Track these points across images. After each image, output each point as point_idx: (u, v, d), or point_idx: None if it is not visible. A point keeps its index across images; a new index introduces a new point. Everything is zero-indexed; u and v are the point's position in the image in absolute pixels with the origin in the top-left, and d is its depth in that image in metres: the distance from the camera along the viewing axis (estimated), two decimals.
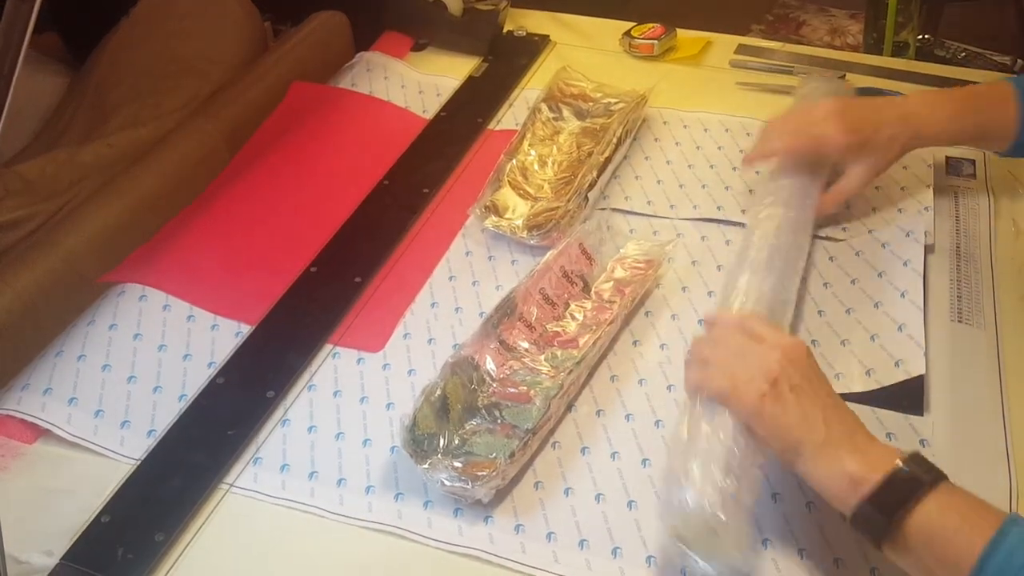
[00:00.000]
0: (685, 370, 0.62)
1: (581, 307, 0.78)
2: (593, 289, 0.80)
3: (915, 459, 0.54)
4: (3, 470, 0.68)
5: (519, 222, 0.87)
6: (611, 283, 0.80)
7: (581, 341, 0.74)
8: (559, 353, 0.73)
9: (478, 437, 0.67)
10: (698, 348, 0.62)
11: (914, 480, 0.53)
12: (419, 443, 0.65)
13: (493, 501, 0.65)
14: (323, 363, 0.77)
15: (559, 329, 0.76)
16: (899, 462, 0.54)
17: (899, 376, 0.70)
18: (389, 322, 0.80)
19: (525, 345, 0.74)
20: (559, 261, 0.79)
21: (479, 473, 0.63)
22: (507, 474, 0.64)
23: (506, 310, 0.75)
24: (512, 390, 0.70)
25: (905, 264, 0.79)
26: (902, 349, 0.72)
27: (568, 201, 0.87)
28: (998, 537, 0.49)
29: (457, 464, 0.64)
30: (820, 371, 0.59)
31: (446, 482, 0.63)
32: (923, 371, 0.70)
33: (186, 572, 0.62)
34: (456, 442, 0.66)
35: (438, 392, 0.68)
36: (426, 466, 0.63)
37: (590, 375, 0.74)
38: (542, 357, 0.73)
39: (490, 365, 0.71)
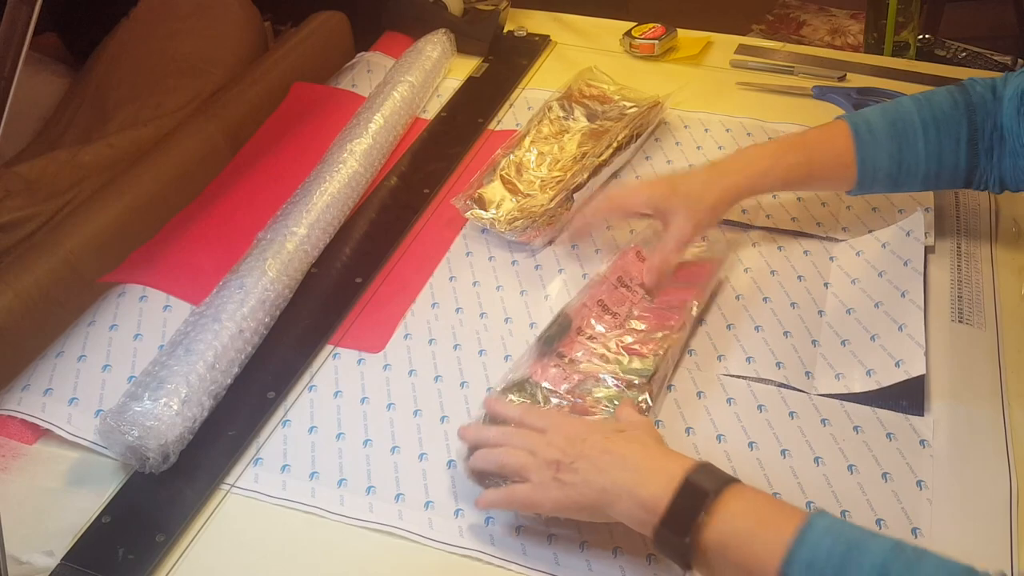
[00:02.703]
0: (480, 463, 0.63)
1: (644, 315, 0.76)
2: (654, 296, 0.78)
3: (701, 470, 0.54)
4: (3, 470, 0.68)
5: (501, 216, 0.87)
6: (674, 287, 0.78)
7: (646, 349, 0.73)
8: (626, 360, 0.72)
9: None
10: (490, 454, 0.62)
11: (699, 491, 0.53)
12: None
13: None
14: (324, 364, 0.77)
15: (622, 339, 0.74)
16: (682, 478, 0.54)
17: (899, 376, 0.70)
18: (390, 323, 0.80)
19: (588, 357, 0.72)
20: (614, 271, 0.78)
21: None
22: None
23: (561, 327, 0.74)
24: (579, 401, 0.69)
25: (906, 264, 0.79)
26: (902, 349, 0.72)
27: (552, 200, 0.87)
28: (804, 530, 0.49)
29: None
30: (586, 424, 0.62)
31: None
32: (923, 371, 0.70)
33: (187, 572, 0.62)
34: None
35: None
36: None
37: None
38: (609, 367, 0.72)
39: (552, 383, 0.70)
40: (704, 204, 0.76)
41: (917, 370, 0.70)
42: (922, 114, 0.77)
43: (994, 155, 0.77)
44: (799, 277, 0.82)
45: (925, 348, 0.71)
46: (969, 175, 0.78)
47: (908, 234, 0.82)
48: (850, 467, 0.66)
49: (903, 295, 0.76)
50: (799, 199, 0.90)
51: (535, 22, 1.25)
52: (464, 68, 1.15)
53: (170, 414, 0.67)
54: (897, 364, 0.71)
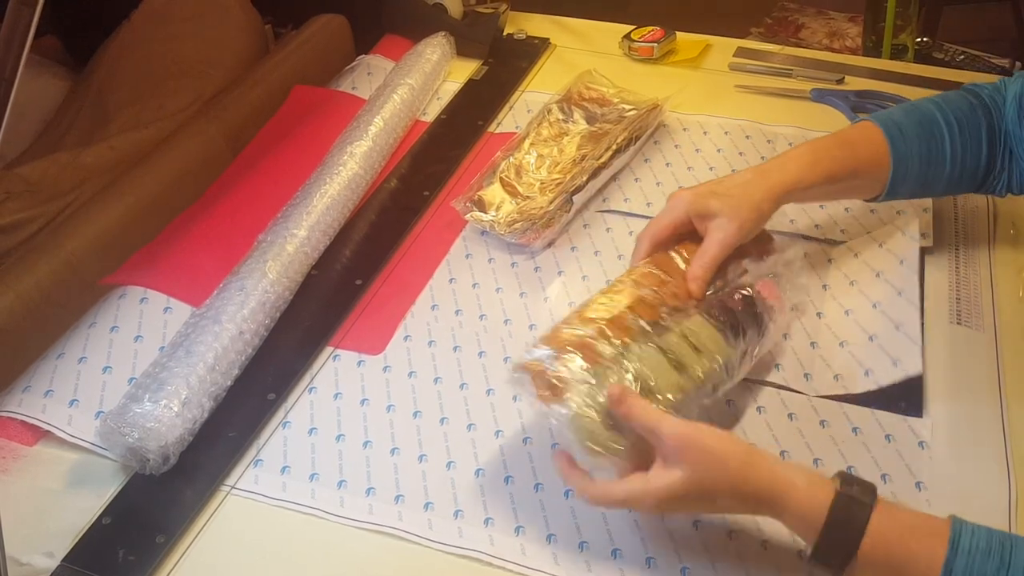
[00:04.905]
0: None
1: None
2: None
3: (848, 480, 0.55)
4: (4, 472, 0.68)
5: (501, 218, 0.87)
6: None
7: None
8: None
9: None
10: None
11: (856, 502, 0.54)
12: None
13: (494, 503, 0.65)
14: (324, 365, 0.77)
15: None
16: (836, 489, 0.54)
17: (897, 376, 0.70)
18: (390, 324, 0.80)
19: None
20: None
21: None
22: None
23: None
24: None
25: (901, 263, 0.79)
26: (899, 348, 0.72)
27: (551, 202, 0.88)
28: (952, 544, 0.51)
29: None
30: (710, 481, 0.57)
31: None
32: (920, 370, 0.70)
33: (187, 574, 0.62)
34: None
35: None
36: None
37: None
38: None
39: None
40: (748, 202, 0.70)
41: (914, 368, 0.70)
42: (944, 115, 0.76)
43: (1007, 157, 0.77)
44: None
45: (921, 346, 0.71)
46: (985, 177, 0.78)
47: (903, 233, 0.82)
48: (849, 468, 0.66)
49: (900, 294, 0.77)
50: None
51: (534, 25, 1.25)
52: (464, 71, 1.15)
53: (170, 416, 0.67)
54: (895, 363, 0.71)
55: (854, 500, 0.54)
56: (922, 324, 0.74)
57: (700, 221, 0.71)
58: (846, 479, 0.55)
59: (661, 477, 0.56)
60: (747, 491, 0.55)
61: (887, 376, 0.71)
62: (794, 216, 0.89)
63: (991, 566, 0.51)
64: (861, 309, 0.78)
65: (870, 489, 0.54)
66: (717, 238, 0.69)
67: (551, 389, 0.60)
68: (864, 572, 0.54)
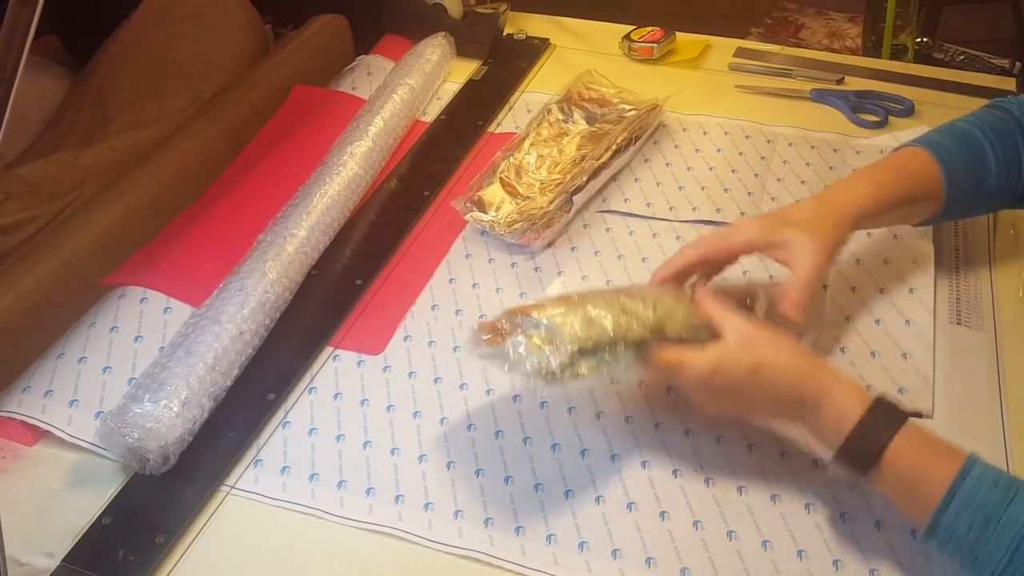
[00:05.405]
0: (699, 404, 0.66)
1: None
2: None
3: (885, 398, 0.59)
4: (4, 472, 0.68)
5: (500, 219, 0.87)
6: None
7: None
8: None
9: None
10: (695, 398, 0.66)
11: (893, 409, 0.58)
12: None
13: (494, 503, 0.65)
14: (324, 365, 0.77)
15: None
16: (872, 399, 0.59)
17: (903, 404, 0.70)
18: (389, 324, 0.80)
19: None
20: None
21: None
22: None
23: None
24: None
25: (911, 292, 0.79)
26: (906, 378, 0.72)
27: (551, 203, 0.88)
28: (964, 469, 0.55)
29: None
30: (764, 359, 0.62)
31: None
32: (929, 408, 0.69)
33: (187, 574, 0.62)
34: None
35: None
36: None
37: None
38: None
39: None
40: (826, 227, 0.68)
41: (923, 404, 0.69)
42: (981, 129, 0.75)
43: None
44: None
45: (932, 384, 0.71)
46: None
47: (913, 262, 0.81)
48: None
49: (907, 324, 0.76)
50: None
51: (534, 25, 1.25)
52: (464, 71, 1.15)
53: (170, 416, 0.67)
54: (901, 392, 0.70)
55: (892, 407, 0.58)
56: (934, 361, 0.73)
57: (774, 250, 0.69)
58: (886, 396, 0.59)
59: (717, 346, 0.62)
60: (793, 368, 0.60)
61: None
62: None
63: (994, 497, 0.53)
64: (863, 321, 0.77)
65: (907, 409, 0.58)
66: (810, 263, 0.67)
67: (496, 333, 0.64)
68: (882, 480, 0.57)
